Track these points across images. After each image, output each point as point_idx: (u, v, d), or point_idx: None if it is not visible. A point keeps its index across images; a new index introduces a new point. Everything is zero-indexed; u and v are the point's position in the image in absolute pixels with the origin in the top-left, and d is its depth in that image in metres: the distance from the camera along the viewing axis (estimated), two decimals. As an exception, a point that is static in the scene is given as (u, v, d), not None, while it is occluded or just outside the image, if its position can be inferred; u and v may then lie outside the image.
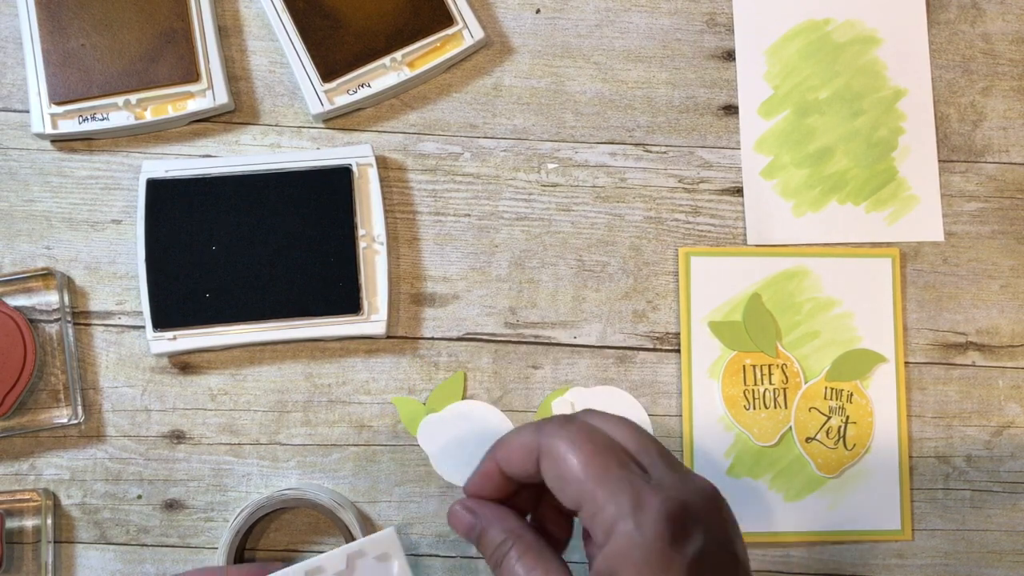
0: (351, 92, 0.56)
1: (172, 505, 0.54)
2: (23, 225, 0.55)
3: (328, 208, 0.54)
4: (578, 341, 0.56)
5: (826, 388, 0.56)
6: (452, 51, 0.56)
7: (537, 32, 0.59)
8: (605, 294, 0.57)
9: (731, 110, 0.59)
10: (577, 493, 0.37)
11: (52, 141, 0.56)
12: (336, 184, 0.54)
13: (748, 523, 0.55)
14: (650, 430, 0.55)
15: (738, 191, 0.58)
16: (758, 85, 0.59)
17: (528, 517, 0.43)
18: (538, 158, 0.57)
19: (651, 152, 0.58)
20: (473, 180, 0.57)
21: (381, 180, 0.55)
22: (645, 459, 0.38)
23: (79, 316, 0.55)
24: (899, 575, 0.56)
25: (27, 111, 0.55)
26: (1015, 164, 0.59)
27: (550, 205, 0.57)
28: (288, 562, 0.50)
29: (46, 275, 0.54)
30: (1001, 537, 0.57)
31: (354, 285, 0.54)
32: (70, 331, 0.54)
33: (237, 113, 0.57)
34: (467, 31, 0.56)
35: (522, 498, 0.42)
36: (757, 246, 0.57)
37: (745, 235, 0.58)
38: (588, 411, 0.41)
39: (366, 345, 0.55)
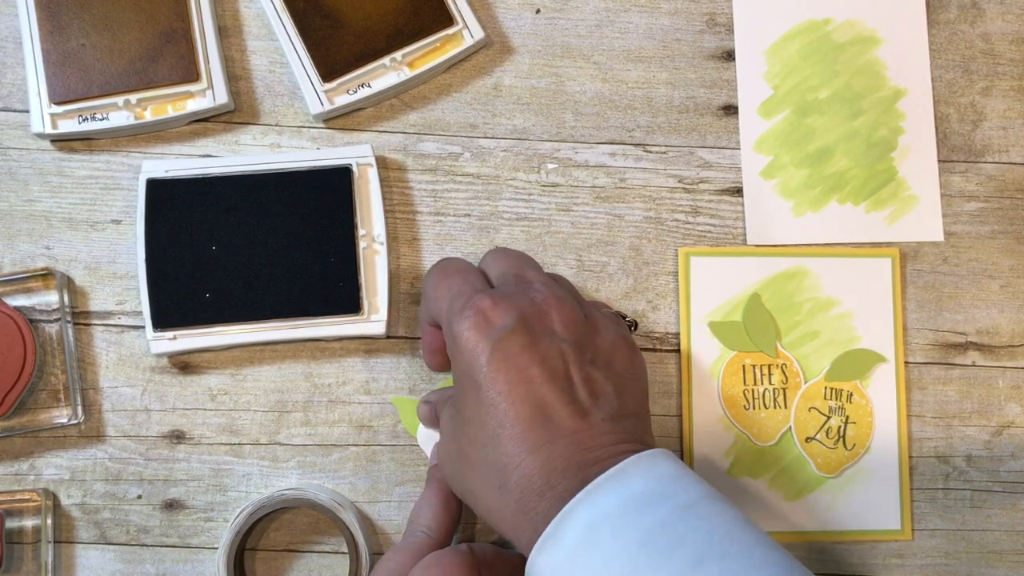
0: (351, 92, 0.56)
1: (172, 505, 0.54)
2: (23, 225, 0.55)
3: (328, 208, 0.54)
4: (578, 341, 0.56)
5: (826, 388, 0.56)
6: (452, 51, 0.56)
7: (537, 32, 0.59)
8: (605, 294, 0.57)
9: (731, 110, 0.59)
10: (436, 315, 0.47)
11: (52, 141, 0.56)
12: (336, 184, 0.54)
13: (748, 523, 0.55)
14: (650, 430, 0.56)
15: (738, 191, 0.58)
16: (758, 85, 0.59)
17: None
18: (538, 158, 0.57)
19: (651, 152, 0.58)
20: (473, 180, 0.57)
21: (381, 180, 0.55)
22: (498, 280, 0.47)
23: (79, 316, 0.55)
24: (899, 575, 0.56)
25: (27, 111, 0.55)
26: (1015, 164, 0.59)
27: (550, 205, 0.57)
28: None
29: (46, 275, 0.54)
30: (1001, 537, 0.57)
31: (354, 285, 0.54)
32: (70, 331, 0.54)
33: (237, 113, 0.57)
34: (467, 31, 0.56)
35: None
36: (757, 246, 0.57)
37: (745, 235, 0.58)
38: (491, 250, 0.51)
39: (366, 345, 0.55)
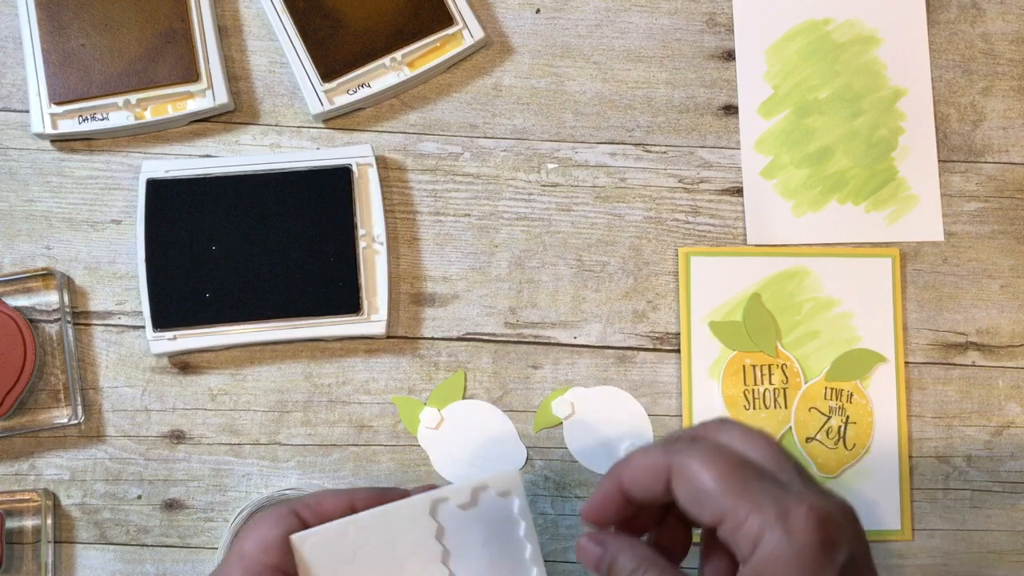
0: (351, 92, 0.56)
1: (172, 505, 0.54)
2: (23, 225, 0.55)
3: (328, 208, 0.54)
4: (578, 341, 0.56)
5: (826, 388, 0.56)
6: (452, 51, 0.56)
7: (537, 32, 0.59)
8: (605, 294, 0.57)
9: (731, 110, 0.59)
10: (716, 509, 0.37)
11: (52, 141, 0.56)
12: (336, 184, 0.54)
13: (748, 523, 0.55)
14: (650, 430, 0.55)
15: (738, 191, 0.58)
16: (758, 85, 0.59)
17: (645, 537, 0.43)
18: (538, 158, 0.57)
19: (651, 152, 0.58)
20: (473, 180, 0.57)
21: (381, 180, 0.55)
22: (782, 475, 0.38)
23: (79, 316, 0.55)
24: (899, 575, 0.56)
25: (27, 111, 0.55)
26: (1015, 164, 0.59)
27: (550, 205, 0.57)
28: None
29: (46, 275, 0.54)
30: (1001, 537, 0.57)
31: (354, 285, 0.54)
32: (70, 331, 0.54)
33: (237, 113, 0.57)
34: (467, 31, 0.56)
35: (640, 519, 0.42)
36: (757, 246, 0.57)
37: (745, 235, 0.58)
38: (721, 423, 0.40)
39: (366, 345, 0.55)
